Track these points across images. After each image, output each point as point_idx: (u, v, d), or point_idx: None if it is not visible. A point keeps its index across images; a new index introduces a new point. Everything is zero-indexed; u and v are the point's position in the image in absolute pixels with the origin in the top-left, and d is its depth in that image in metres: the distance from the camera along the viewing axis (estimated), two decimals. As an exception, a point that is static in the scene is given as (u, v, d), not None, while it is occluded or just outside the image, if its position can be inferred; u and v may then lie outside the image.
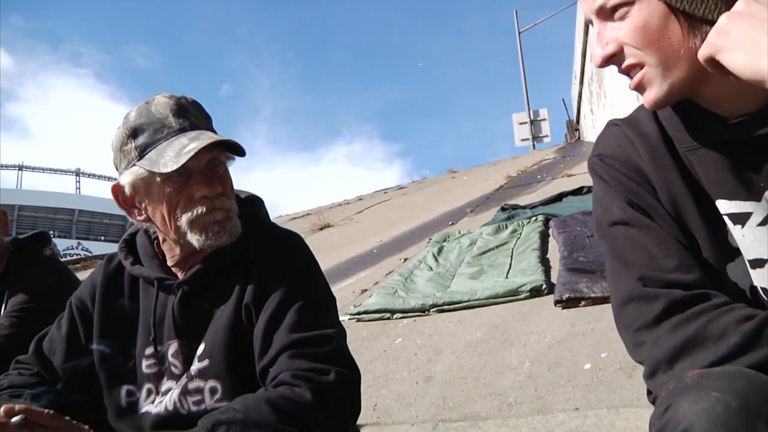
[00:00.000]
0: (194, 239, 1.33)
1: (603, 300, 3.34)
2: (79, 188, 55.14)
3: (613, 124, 1.14)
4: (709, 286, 0.95)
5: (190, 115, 1.35)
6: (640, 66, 0.95)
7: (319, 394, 1.17)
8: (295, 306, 1.29)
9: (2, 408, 1.01)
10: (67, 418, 1.10)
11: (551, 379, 2.51)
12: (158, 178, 1.30)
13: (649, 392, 1.17)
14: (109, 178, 55.78)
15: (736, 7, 0.85)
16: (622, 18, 0.93)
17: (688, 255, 0.98)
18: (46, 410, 1.06)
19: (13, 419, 1.00)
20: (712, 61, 0.86)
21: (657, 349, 0.93)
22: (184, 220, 1.32)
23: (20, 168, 54.38)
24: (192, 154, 1.25)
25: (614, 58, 0.96)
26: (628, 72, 0.97)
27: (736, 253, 0.98)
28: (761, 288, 0.97)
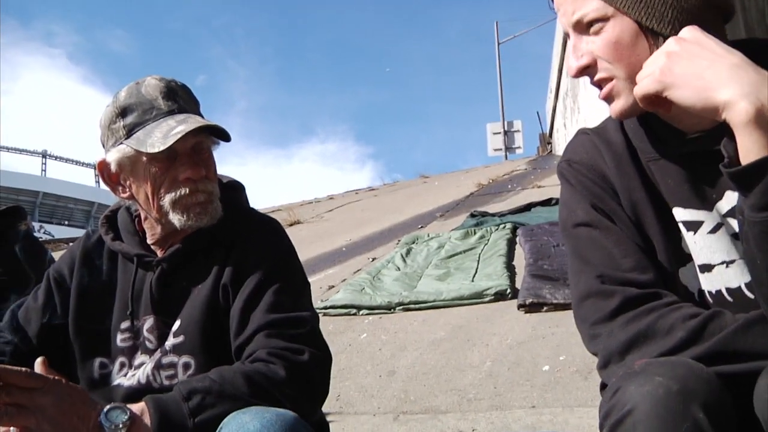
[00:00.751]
0: (176, 219, 1.36)
1: (564, 306, 3.44)
2: (45, 170, 53.89)
3: (582, 132, 1.21)
4: (662, 287, 1.02)
5: (179, 98, 1.39)
6: (610, 79, 1.02)
7: (292, 372, 1.20)
8: (273, 288, 1.33)
9: None
10: (40, 371, 1.09)
11: (510, 378, 2.59)
12: (144, 158, 1.33)
13: (602, 388, 1.25)
14: (77, 163, 54.52)
15: (668, 47, 0.91)
16: (597, 33, 1.01)
17: (645, 257, 1.05)
18: (24, 370, 1.01)
19: None
20: (652, 98, 0.93)
21: (611, 341, 0.99)
22: (167, 199, 1.35)
23: (-16, 146, 52.97)
24: (179, 136, 1.28)
25: (588, 70, 1.04)
26: (600, 84, 1.04)
27: (688, 258, 1.06)
28: (707, 291, 1.05)
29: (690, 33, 0.91)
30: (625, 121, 1.11)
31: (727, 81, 0.85)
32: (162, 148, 1.28)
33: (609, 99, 1.04)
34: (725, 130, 0.87)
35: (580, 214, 1.11)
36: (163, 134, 1.30)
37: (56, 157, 55.52)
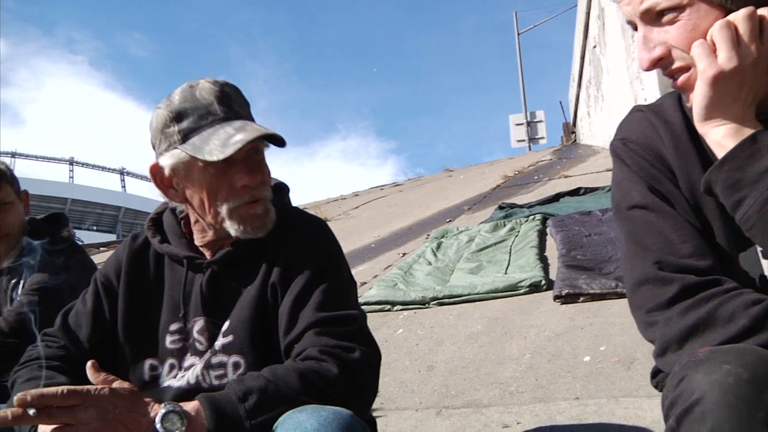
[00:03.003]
0: (232, 228, 1.37)
1: (601, 296, 3.40)
2: (72, 177, 54.79)
3: (637, 110, 1.17)
4: (721, 273, 0.99)
5: (234, 103, 1.38)
6: (687, 68, 0.99)
7: (345, 370, 1.20)
8: (321, 287, 1.33)
9: (15, 399, 0.97)
10: (90, 374, 1.10)
11: (551, 370, 2.56)
12: (200, 164, 1.33)
13: (652, 376, 1.22)
14: (103, 168, 55.41)
15: (745, 58, 0.94)
16: (671, 22, 0.97)
17: (703, 242, 1.02)
18: (61, 390, 1.00)
19: (30, 412, 0.97)
20: None
21: (669, 329, 0.97)
22: (224, 207, 1.36)
23: (13, 155, 53.76)
24: (240, 146, 1.28)
25: (661, 62, 1.00)
26: (674, 74, 1.01)
27: (749, 242, 1.02)
28: None
29: None
30: (684, 100, 1.08)
31: (723, 119, 0.95)
32: (221, 156, 1.28)
33: (687, 89, 1.01)
34: None
35: (636, 196, 1.09)
36: (222, 142, 1.30)
37: (83, 164, 56.41)
